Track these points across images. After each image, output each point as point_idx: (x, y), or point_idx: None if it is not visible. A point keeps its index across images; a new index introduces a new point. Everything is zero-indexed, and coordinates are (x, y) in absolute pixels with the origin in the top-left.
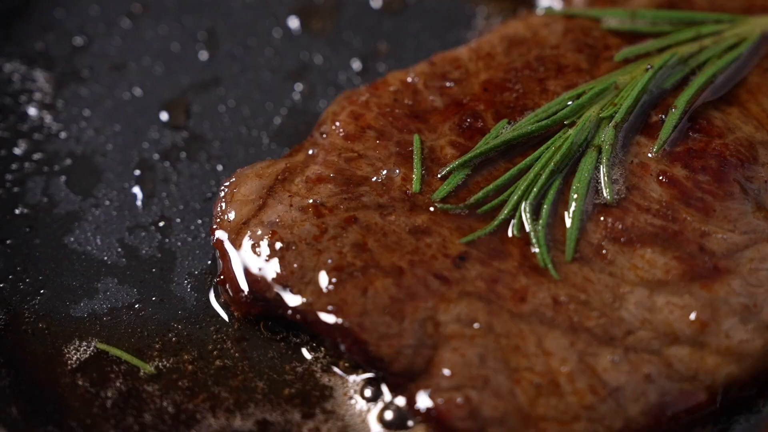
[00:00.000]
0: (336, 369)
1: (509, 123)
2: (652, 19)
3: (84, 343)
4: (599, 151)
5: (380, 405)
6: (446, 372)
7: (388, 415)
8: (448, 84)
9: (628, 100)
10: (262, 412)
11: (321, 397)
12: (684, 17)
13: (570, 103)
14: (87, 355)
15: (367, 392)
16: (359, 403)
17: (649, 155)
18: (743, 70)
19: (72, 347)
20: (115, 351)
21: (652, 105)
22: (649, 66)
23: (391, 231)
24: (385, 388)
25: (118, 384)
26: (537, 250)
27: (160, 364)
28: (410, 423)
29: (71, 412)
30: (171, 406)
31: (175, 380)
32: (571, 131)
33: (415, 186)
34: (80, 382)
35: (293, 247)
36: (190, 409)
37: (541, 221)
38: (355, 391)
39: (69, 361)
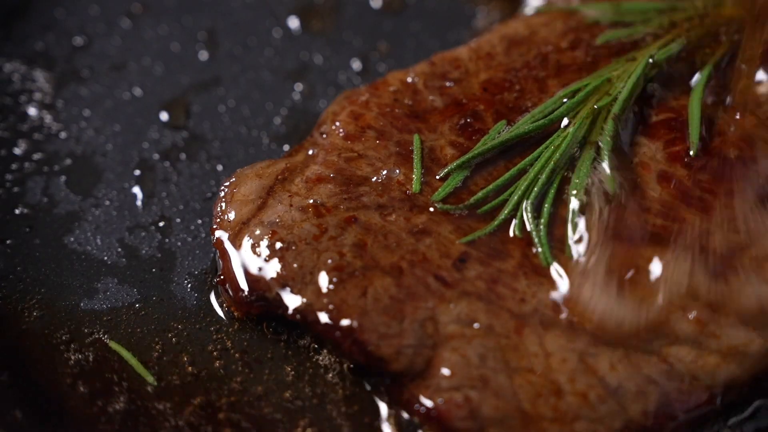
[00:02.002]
0: (337, 371)
1: (508, 123)
2: (641, 10)
3: (84, 345)
4: (599, 147)
5: (382, 407)
6: (446, 372)
7: (392, 418)
8: (448, 84)
9: (624, 92)
10: (258, 414)
11: (321, 399)
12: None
13: (566, 101)
14: (88, 358)
15: (368, 393)
16: (360, 406)
17: (649, 155)
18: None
19: (73, 348)
20: (122, 351)
21: (650, 104)
22: (650, 59)
23: (391, 231)
24: (386, 389)
25: (117, 390)
26: (538, 249)
27: (159, 365)
28: (418, 429)
29: (71, 414)
30: (167, 414)
31: (174, 381)
32: (569, 129)
33: (415, 186)
34: (81, 387)
35: (293, 247)
36: (186, 414)
37: (542, 220)
38: (356, 394)
39: (69, 363)
